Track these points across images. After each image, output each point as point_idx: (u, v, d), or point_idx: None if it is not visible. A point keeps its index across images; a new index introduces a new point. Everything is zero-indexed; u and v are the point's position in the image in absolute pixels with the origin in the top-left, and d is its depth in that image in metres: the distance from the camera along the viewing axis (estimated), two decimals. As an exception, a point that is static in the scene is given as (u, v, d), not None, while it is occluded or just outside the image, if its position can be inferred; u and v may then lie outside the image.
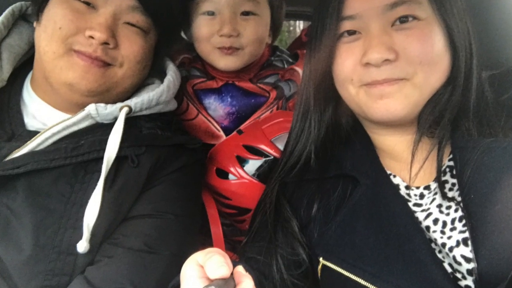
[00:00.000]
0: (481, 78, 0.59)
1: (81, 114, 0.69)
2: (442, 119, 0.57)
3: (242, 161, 0.86)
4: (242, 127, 0.93)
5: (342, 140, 0.69)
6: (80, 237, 0.62)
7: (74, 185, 0.66)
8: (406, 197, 0.59)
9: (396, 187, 0.60)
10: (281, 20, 1.00)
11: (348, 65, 0.60)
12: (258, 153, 0.86)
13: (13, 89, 0.74)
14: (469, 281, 0.51)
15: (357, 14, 0.59)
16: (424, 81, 0.57)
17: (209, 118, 0.95)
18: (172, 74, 0.80)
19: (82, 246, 0.61)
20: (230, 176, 0.87)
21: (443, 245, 0.53)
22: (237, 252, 0.68)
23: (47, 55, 0.67)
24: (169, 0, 0.76)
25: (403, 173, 0.61)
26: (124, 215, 0.68)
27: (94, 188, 0.64)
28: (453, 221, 0.54)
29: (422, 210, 0.57)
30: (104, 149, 0.66)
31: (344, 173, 0.64)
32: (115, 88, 0.72)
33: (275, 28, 0.99)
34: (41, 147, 0.67)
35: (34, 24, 0.72)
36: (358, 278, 0.55)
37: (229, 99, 0.95)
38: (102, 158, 0.65)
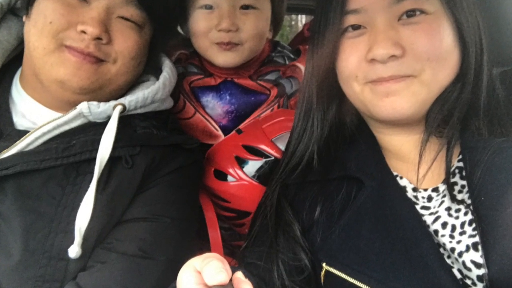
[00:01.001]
0: (492, 75, 0.59)
1: (73, 113, 0.67)
2: (451, 118, 0.56)
3: (241, 162, 0.85)
4: (241, 126, 0.92)
5: (346, 140, 0.68)
6: (72, 242, 0.61)
7: (65, 187, 0.65)
8: (413, 199, 0.58)
9: (403, 189, 0.59)
10: (282, 14, 1.00)
11: (353, 61, 0.59)
12: (258, 153, 0.85)
13: (1, 87, 0.73)
14: (480, 287, 0.49)
15: (362, 8, 0.58)
16: (432, 78, 0.56)
17: (207, 117, 0.93)
18: (168, 71, 0.79)
19: (74, 251, 0.60)
20: (229, 178, 0.86)
21: (452, 250, 0.52)
22: (236, 257, 0.67)
23: (37, 51, 0.66)
24: None
25: (410, 175, 0.60)
26: (118, 218, 0.67)
27: (86, 190, 0.63)
28: (462, 224, 0.53)
29: (430, 213, 0.56)
30: (96, 149, 0.65)
31: (348, 175, 0.63)
32: (108, 85, 0.71)
33: (276, 23, 0.99)
34: (31, 147, 0.66)
35: (24, 18, 0.71)
36: (363, 285, 0.54)
37: (227, 97, 0.94)
38: (94, 158, 0.64)
